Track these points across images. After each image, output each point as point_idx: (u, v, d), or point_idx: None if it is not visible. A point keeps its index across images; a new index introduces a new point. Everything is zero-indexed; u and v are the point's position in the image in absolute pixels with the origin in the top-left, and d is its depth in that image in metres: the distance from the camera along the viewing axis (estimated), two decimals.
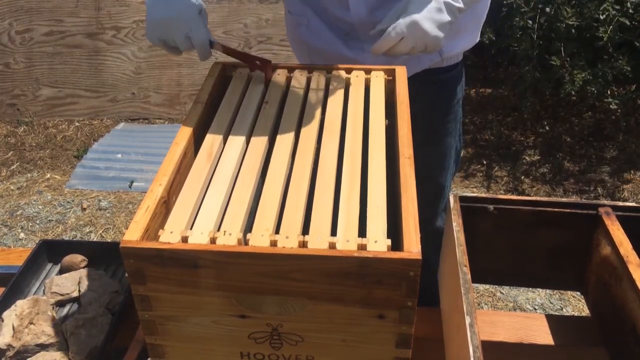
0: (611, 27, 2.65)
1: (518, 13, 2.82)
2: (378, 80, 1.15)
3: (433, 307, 1.15)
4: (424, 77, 1.36)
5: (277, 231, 0.82)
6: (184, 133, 1.00)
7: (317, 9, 1.36)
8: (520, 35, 2.89)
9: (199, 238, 0.80)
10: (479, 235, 1.08)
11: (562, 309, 2.26)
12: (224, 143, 1.00)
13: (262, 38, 3.50)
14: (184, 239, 0.80)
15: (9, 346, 1.04)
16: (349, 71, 1.18)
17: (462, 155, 3.17)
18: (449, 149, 1.53)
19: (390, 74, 1.17)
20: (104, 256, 1.27)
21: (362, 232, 0.80)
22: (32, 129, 3.55)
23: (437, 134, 1.49)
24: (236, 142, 1.00)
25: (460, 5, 1.17)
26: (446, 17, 1.14)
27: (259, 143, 1.00)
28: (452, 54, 1.40)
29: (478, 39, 1.44)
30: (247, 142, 1.02)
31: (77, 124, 3.61)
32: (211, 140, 1.00)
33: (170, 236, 0.80)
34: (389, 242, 0.78)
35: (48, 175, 3.14)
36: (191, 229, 0.82)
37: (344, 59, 1.34)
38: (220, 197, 0.88)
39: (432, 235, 1.50)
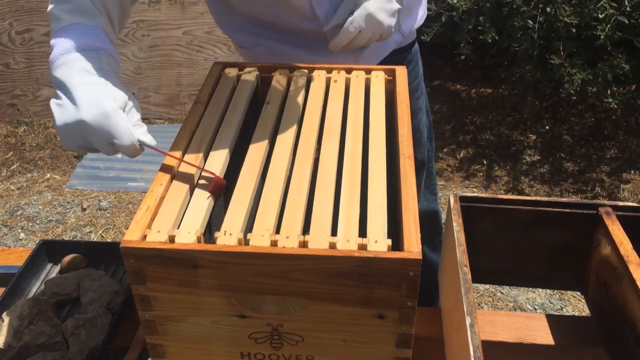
0: (609, 25, 2.65)
1: (518, 13, 2.82)
2: (378, 80, 1.15)
3: (433, 307, 1.15)
4: (389, 59, 1.39)
5: (277, 231, 0.82)
6: (184, 133, 1.00)
7: (271, 34, 1.35)
8: (520, 35, 2.89)
9: (185, 237, 0.80)
10: (479, 235, 1.08)
11: (562, 309, 2.26)
12: (212, 143, 1.00)
13: None
14: (171, 238, 0.79)
15: (10, 346, 1.04)
16: (349, 71, 1.18)
17: (462, 155, 3.19)
18: (421, 125, 1.57)
19: (391, 74, 1.17)
20: (104, 256, 1.27)
21: (362, 232, 0.80)
22: (32, 129, 3.55)
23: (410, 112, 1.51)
24: (224, 142, 1.00)
25: None
26: (395, 5, 1.21)
27: (260, 143, 1.00)
28: (410, 32, 1.44)
29: (426, 13, 1.50)
30: (236, 142, 1.02)
31: None
32: (199, 141, 0.99)
33: (157, 235, 0.80)
34: (389, 241, 0.78)
35: (48, 176, 3.14)
36: (178, 228, 0.82)
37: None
38: (208, 197, 0.88)
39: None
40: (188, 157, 0.95)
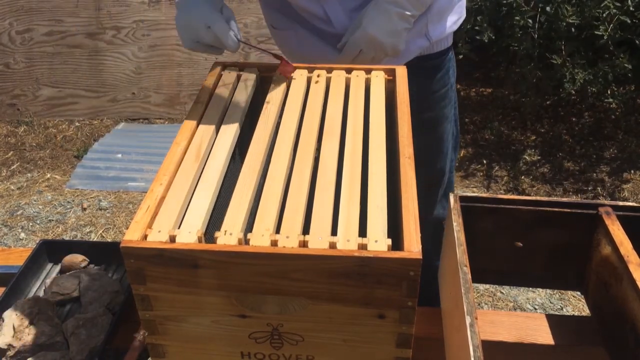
0: (611, 25, 2.65)
1: (518, 12, 2.82)
2: (378, 80, 1.15)
3: (433, 307, 1.15)
4: (417, 63, 1.38)
5: (277, 231, 0.82)
6: (185, 133, 1.00)
7: (303, 22, 1.37)
8: (520, 35, 2.89)
9: (186, 237, 0.80)
10: (479, 235, 1.08)
11: (562, 309, 2.26)
12: (212, 143, 1.00)
13: (262, 38, 3.50)
14: (172, 238, 0.79)
15: (10, 346, 1.04)
16: (349, 71, 1.18)
17: (462, 155, 3.18)
18: (445, 134, 1.54)
19: (391, 73, 1.17)
20: (104, 256, 1.27)
21: (362, 232, 0.80)
22: (32, 129, 3.55)
23: (433, 119, 1.50)
24: (224, 142, 1.00)
25: (411, 12, 1.22)
26: (399, 26, 1.22)
27: (260, 143, 1.00)
28: (440, 38, 1.40)
29: (464, 16, 1.45)
30: (236, 141, 1.02)
31: (77, 124, 3.61)
32: (199, 141, 0.99)
33: (158, 235, 0.80)
34: (389, 241, 0.78)
35: (48, 175, 3.14)
36: (179, 228, 0.82)
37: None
38: (209, 196, 0.88)
39: (430, 224, 1.50)
40: (188, 157, 0.95)
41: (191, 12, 1.14)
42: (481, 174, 3.09)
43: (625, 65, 2.72)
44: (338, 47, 1.28)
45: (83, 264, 1.24)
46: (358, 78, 1.16)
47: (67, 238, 2.66)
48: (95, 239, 2.64)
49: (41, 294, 1.20)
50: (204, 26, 1.13)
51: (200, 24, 1.13)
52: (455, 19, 1.41)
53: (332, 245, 0.77)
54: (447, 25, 1.40)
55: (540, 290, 2.33)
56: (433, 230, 1.43)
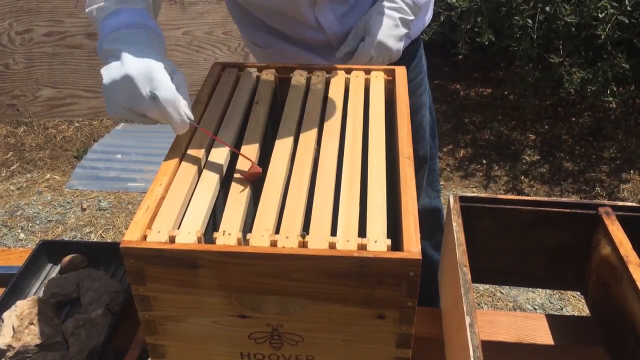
0: (609, 25, 2.65)
1: (518, 12, 2.82)
2: (378, 80, 1.15)
3: (433, 307, 1.15)
4: None
5: (277, 231, 0.82)
6: (185, 133, 1.00)
7: (285, 36, 1.37)
8: (520, 35, 2.89)
9: (186, 237, 0.80)
10: (479, 235, 1.08)
11: (562, 309, 2.26)
12: (212, 143, 1.00)
13: None
14: (172, 239, 0.79)
15: (9, 346, 1.04)
16: (349, 71, 1.18)
17: (462, 155, 3.19)
18: (424, 122, 1.59)
19: (390, 74, 1.17)
20: (104, 256, 1.27)
21: (362, 232, 0.80)
22: (32, 129, 3.55)
23: (411, 108, 1.51)
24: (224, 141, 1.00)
25: (412, 17, 1.28)
26: (402, 31, 1.27)
27: (254, 143, 1.00)
28: (417, 34, 1.47)
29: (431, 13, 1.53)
30: (235, 141, 1.02)
31: (76, 124, 3.61)
32: (199, 141, 0.99)
33: (158, 235, 0.80)
34: (388, 242, 0.78)
35: (48, 176, 3.14)
36: (178, 228, 0.82)
37: None
38: (208, 197, 0.88)
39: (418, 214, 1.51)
40: (188, 157, 0.95)
41: (131, 69, 0.87)
42: (481, 174, 3.09)
43: (623, 65, 2.72)
44: (337, 56, 1.29)
45: (83, 264, 1.24)
46: (358, 78, 1.16)
47: (67, 238, 2.65)
48: (95, 240, 2.64)
49: (41, 294, 1.20)
50: (146, 91, 0.87)
51: (141, 90, 0.87)
52: (429, 15, 1.48)
53: (332, 246, 0.77)
54: (422, 23, 1.46)
55: (540, 290, 2.33)
56: (420, 220, 1.44)
